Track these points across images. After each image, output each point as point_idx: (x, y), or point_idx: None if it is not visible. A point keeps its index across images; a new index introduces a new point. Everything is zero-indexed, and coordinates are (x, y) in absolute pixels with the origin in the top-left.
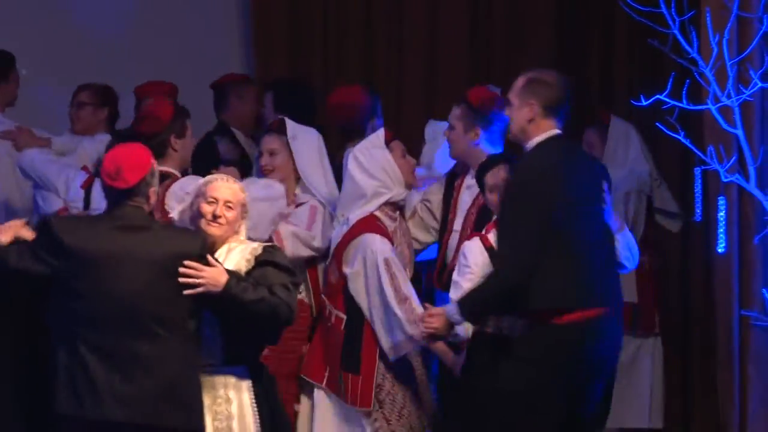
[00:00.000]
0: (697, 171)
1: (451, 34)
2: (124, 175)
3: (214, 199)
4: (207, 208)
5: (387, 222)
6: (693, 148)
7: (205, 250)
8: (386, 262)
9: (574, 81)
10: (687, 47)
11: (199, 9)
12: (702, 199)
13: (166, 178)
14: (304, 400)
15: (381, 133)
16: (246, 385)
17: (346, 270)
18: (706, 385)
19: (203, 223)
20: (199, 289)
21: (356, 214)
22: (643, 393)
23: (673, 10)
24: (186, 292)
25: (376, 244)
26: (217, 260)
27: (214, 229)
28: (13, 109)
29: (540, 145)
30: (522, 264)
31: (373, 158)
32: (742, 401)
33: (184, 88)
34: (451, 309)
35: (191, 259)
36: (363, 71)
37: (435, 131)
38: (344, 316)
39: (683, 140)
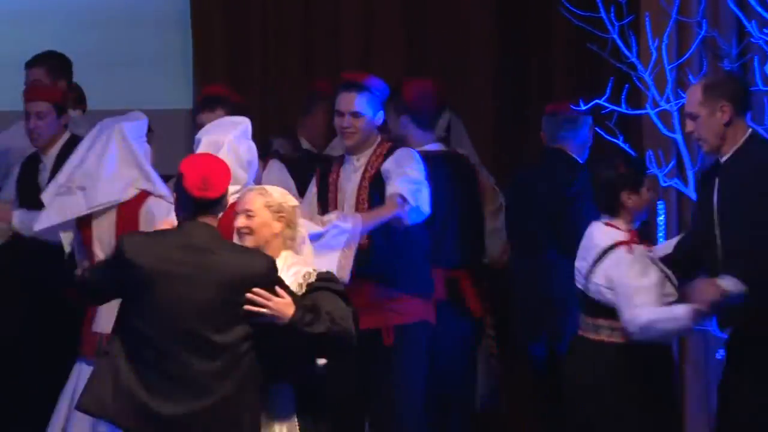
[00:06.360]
0: None
1: (388, 41)
2: (213, 183)
3: (241, 211)
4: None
5: None
6: (632, 152)
7: (272, 272)
8: None
9: None
10: (626, 52)
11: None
12: None
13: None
14: None
15: None
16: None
17: None
18: None
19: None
20: (264, 319)
21: None
22: None
23: (612, 14)
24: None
25: None
26: (287, 287)
27: (247, 242)
28: None
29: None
30: None
31: None
32: (681, 403)
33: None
34: None
35: (256, 282)
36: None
37: None
38: None
39: (622, 145)
